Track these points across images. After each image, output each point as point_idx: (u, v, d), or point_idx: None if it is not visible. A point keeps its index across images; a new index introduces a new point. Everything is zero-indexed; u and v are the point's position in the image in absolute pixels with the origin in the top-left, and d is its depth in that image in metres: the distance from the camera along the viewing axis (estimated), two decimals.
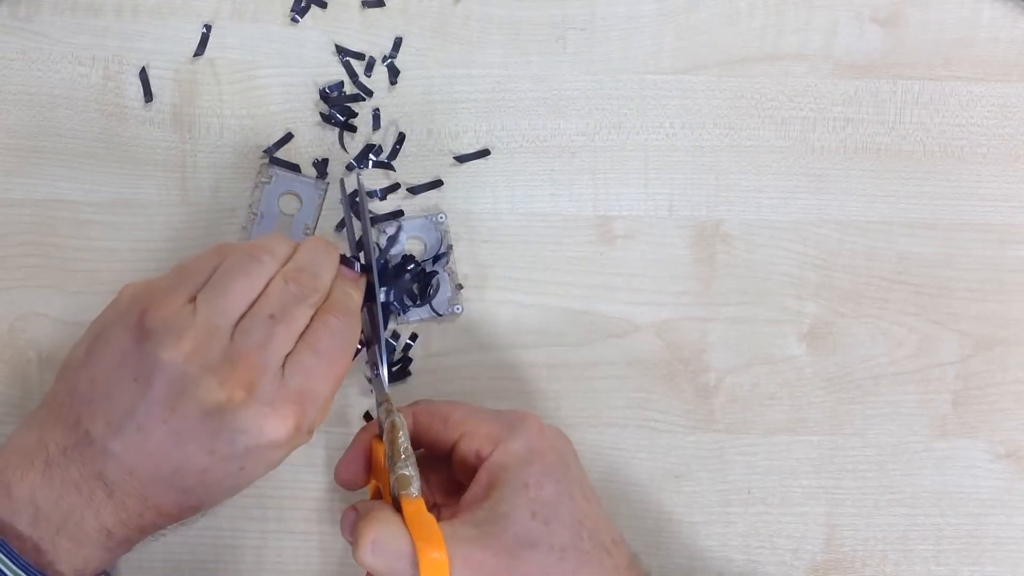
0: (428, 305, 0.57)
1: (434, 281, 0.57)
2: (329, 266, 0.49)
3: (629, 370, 0.58)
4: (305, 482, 0.56)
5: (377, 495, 0.50)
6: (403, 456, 0.46)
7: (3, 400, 0.56)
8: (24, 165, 0.58)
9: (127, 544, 0.48)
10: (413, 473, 0.45)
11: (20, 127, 0.58)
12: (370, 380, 0.55)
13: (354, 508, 0.47)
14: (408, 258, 0.57)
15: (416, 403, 0.51)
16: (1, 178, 0.57)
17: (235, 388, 0.44)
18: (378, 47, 0.59)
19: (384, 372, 0.51)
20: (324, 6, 0.59)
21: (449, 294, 0.57)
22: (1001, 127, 0.60)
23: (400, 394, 0.56)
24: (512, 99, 0.59)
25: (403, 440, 0.46)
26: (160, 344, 0.44)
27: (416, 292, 0.57)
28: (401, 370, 0.57)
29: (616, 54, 0.60)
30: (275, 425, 0.45)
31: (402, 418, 0.47)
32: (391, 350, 0.56)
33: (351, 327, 0.48)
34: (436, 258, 0.57)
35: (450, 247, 0.58)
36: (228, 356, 0.45)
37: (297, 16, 0.59)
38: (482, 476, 0.46)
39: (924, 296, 0.58)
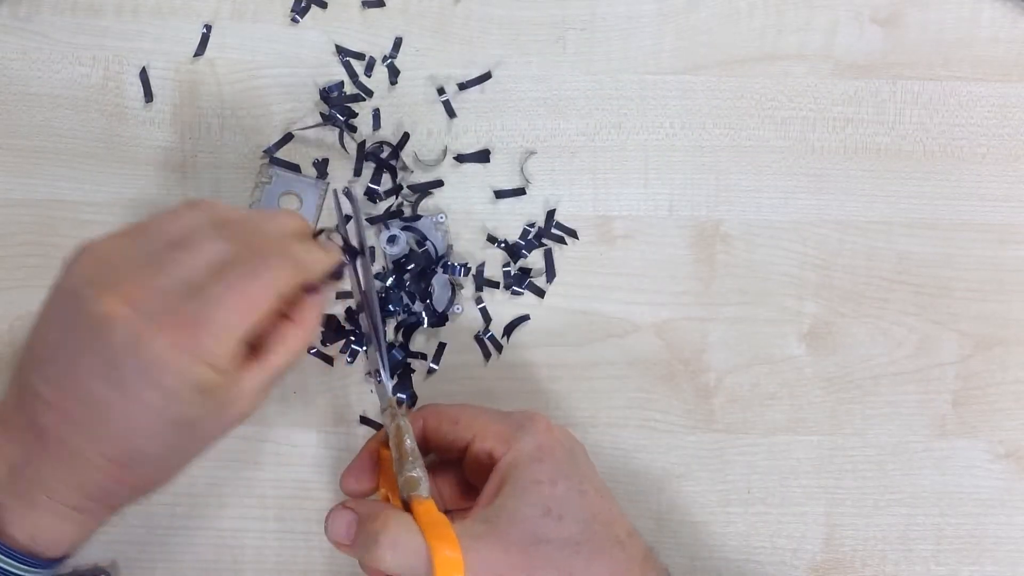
0: (428, 304, 0.57)
1: (434, 281, 0.57)
2: (275, 222, 0.46)
3: (629, 370, 0.58)
4: (306, 482, 0.56)
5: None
6: (410, 458, 0.46)
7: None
8: (24, 165, 0.58)
9: (81, 513, 0.45)
10: (421, 474, 0.45)
11: (20, 127, 0.58)
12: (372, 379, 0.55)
13: (346, 507, 0.46)
14: (408, 258, 0.57)
15: (424, 407, 0.51)
16: (1, 178, 0.57)
17: (116, 303, 0.42)
18: (378, 47, 0.59)
19: (387, 377, 0.50)
20: (324, 6, 0.59)
21: (449, 294, 0.57)
22: (1001, 127, 0.60)
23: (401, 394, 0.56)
24: (512, 99, 0.59)
25: (409, 442, 0.46)
26: (68, 271, 0.44)
27: (416, 292, 0.57)
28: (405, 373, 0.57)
29: (616, 54, 0.60)
30: (151, 337, 0.41)
31: (407, 421, 0.47)
32: (396, 361, 0.56)
33: (268, 263, 0.44)
34: (436, 258, 0.57)
35: (450, 247, 0.58)
36: (117, 274, 0.43)
37: (297, 16, 0.59)
38: (495, 475, 0.46)
39: (924, 296, 0.58)
